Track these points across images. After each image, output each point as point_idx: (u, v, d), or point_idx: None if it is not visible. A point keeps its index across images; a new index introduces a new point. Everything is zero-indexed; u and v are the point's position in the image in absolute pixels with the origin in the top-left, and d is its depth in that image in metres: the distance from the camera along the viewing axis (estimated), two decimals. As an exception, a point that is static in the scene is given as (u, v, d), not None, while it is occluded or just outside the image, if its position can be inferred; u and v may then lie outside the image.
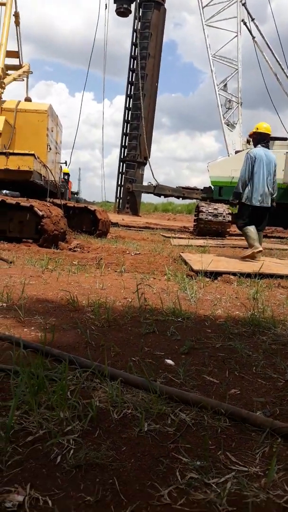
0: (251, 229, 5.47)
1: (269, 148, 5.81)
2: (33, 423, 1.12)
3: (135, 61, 21.14)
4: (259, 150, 5.56)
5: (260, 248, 5.34)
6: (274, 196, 5.62)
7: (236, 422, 1.20)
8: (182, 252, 5.81)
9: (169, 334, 2.01)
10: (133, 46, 21.55)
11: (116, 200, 22.56)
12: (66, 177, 13.36)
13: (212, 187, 13.43)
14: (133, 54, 21.52)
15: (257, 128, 5.72)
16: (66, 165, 10.52)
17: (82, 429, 1.10)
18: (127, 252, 5.81)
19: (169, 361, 1.65)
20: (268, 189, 5.47)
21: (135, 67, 21.21)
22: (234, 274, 4.01)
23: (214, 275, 3.93)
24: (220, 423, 1.18)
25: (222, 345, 1.91)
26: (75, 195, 9.98)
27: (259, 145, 5.67)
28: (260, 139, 5.70)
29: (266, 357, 1.77)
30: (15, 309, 2.29)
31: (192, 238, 9.89)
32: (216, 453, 1.05)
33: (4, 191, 6.58)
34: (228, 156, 13.81)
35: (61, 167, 10.29)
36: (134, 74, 21.53)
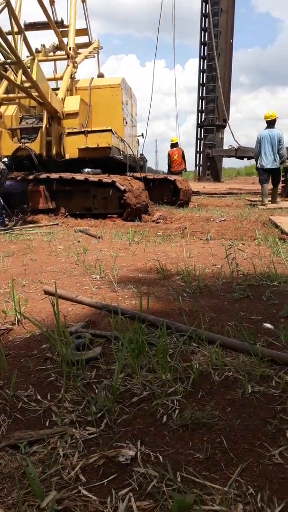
0: (264, 185, 8.67)
1: (273, 127, 8.61)
2: (137, 385, 1.16)
3: (207, 19, 20.04)
4: (264, 131, 8.57)
5: (269, 198, 8.65)
6: (283, 158, 8.61)
7: None
8: (271, 216, 5.52)
9: (265, 299, 1.93)
10: (203, 3, 20.40)
11: (196, 168, 22.11)
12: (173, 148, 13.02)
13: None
14: (204, 11, 20.39)
15: (265, 116, 8.65)
16: (143, 137, 10.46)
17: (185, 391, 1.11)
18: (211, 219, 5.69)
19: (268, 325, 1.58)
20: (273, 156, 8.41)
21: (207, 25, 20.13)
22: None
23: (308, 236, 3.68)
24: None
25: None
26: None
27: (265, 128, 8.61)
28: (267, 123, 8.63)
29: None
30: (109, 280, 2.38)
31: (282, 200, 9.35)
32: None
33: (86, 170, 6.80)
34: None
35: (138, 140, 10.29)
36: (206, 33, 20.46)
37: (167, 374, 1.18)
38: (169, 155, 12.93)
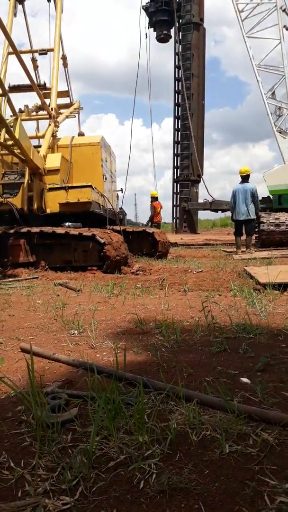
0: (237, 238, 9.64)
1: (247, 182, 9.46)
2: (113, 448, 1.13)
3: (180, 82, 21.53)
4: (238, 185, 9.45)
5: (242, 249, 9.39)
6: (257, 210, 9.53)
7: None
8: (246, 266, 5.66)
9: (242, 352, 1.95)
10: (177, 69, 22.01)
11: (173, 220, 22.70)
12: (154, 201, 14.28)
13: (271, 196, 13.06)
14: (177, 76, 21.96)
15: (240, 172, 9.51)
16: (122, 192, 10.82)
17: (162, 453, 1.09)
18: (189, 270, 5.77)
19: (245, 379, 1.59)
20: (247, 208, 9.20)
21: (180, 88, 21.58)
22: (304, 284, 3.84)
23: (283, 287, 3.77)
24: (307, 443, 1.11)
25: (299, 359, 1.81)
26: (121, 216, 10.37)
27: (240, 183, 9.47)
28: (241, 177, 9.47)
29: None
30: (87, 335, 2.37)
31: (255, 251, 9.62)
32: (306, 476, 0.98)
33: (66, 224, 6.90)
34: (284, 163, 13.40)
35: (117, 194, 10.59)
36: (179, 95, 21.91)
37: (144, 436, 1.16)
38: (154, 207, 13.77)
